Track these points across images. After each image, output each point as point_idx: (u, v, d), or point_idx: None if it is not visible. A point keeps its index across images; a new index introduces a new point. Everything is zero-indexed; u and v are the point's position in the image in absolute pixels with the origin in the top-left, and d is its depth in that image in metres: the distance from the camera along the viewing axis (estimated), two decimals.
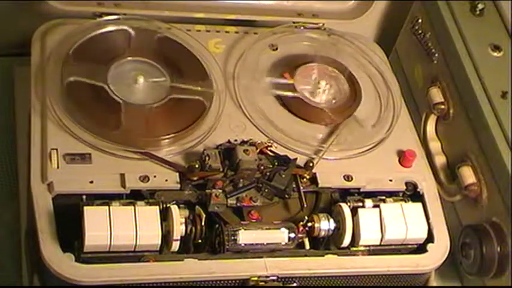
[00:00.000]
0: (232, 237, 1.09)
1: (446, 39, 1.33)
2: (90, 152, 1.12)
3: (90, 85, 1.16)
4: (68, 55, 1.18)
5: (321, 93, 1.26)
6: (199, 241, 1.10)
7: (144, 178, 1.11)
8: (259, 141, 1.17)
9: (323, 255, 1.13)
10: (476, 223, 1.22)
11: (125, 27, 1.24)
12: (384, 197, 1.17)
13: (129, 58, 1.21)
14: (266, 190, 1.14)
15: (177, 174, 1.12)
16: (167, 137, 1.15)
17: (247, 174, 1.13)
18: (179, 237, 1.07)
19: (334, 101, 1.26)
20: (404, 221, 1.15)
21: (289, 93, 1.25)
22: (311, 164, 1.16)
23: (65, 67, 1.17)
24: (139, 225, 1.05)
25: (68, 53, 1.19)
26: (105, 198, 1.08)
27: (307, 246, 1.15)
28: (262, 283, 1.09)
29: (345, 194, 1.18)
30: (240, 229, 1.10)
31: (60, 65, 1.18)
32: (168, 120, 1.16)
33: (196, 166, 1.11)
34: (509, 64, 1.28)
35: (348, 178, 1.18)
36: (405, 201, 1.18)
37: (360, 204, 1.15)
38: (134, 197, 1.10)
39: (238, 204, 1.13)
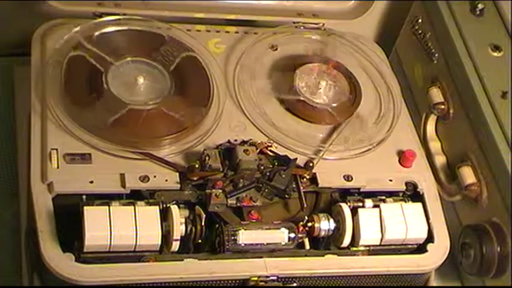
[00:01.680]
0: (232, 237, 1.09)
1: (446, 39, 1.33)
2: (90, 152, 1.12)
3: (91, 87, 1.16)
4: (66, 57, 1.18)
5: (321, 93, 1.26)
6: (199, 241, 1.10)
7: (144, 178, 1.11)
8: (259, 141, 1.17)
9: (323, 255, 1.13)
10: (476, 223, 1.22)
11: (122, 27, 1.24)
12: (383, 197, 1.17)
13: (129, 58, 1.21)
14: (266, 190, 1.14)
15: (177, 174, 1.12)
16: (167, 137, 1.15)
17: (247, 174, 1.13)
18: (179, 237, 1.07)
19: (334, 101, 1.26)
20: (404, 221, 1.15)
21: (289, 93, 1.25)
22: (311, 164, 1.16)
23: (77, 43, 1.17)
24: (139, 225, 1.05)
25: (66, 54, 1.18)
26: (105, 198, 1.08)
27: (307, 246, 1.15)
28: (262, 283, 1.09)
29: (345, 194, 1.18)
30: (240, 229, 1.10)
31: (61, 65, 1.18)
32: (168, 120, 1.16)
33: (196, 166, 1.11)
34: (509, 64, 1.28)
35: (348, 178, 1.18)
36: (405, 201, 1.18)
37: (360, 204, 1.15)
38: (134, 197, 1.10)
39: (238, 204, 1.13)
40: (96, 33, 1.22)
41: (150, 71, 1.20)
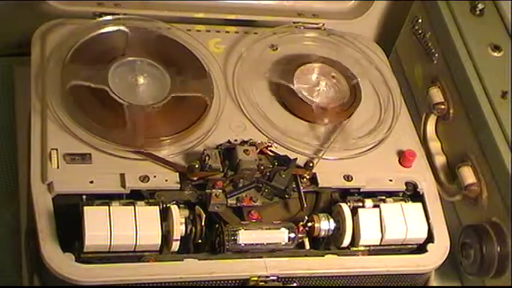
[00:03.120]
0: (232, 237, 1.09)
1: (446, 39, 1.33)
2: (90, 152, 1.12)
3: (91, 88, 1.16)
4: (66, 58, 1.18)
5: (321, 93, 1.26)
6: (199, 241, 1.10)
7: (144, 178, 1.11)
8: (259, 141, 1.17)
9: (323, 255, 1.13)
10: (476, 223, 1.22)
11: (122, 28, 1.24)
12: (383, 197, 1.17)
13: (129, 58, 1.21)
14: (266, 190, 1.14)
15: (177, 174, 1.12)
16: (167, 137, 1.15)
17: (247, 174, 1.13)
18: (179, 237, 1.07)
19: (334, 101, 1.26)
20: (404, 221, 1.15)
21: (289, 93, 1.25)
22: (311, 164, 1.16)
23: (65, 71, 1.17)
24: (139, 225, 1.05)
25: (66, 55, 1.18)
26: (105, 198, 1.08)
27: (307, 246, 1.14)
28: (262, 283, 1.09)
29: (345, 194, 1.18)
30: (240, 229, 1.10)
31: (61, 65, 1.18)
32: (168, 120, 1.16)
33: (196, 166, 1.11)
34: (509, 64, 1.28)
35: (348, 178, 1.18)
36: (405, 201, 1.18)
37: (360, 204, 1.15)
38: (134, 197, 1.10)
39: (238, 204, 1.13)
40: (94, 34, 1.22)
41: (147, 69, 1.20)
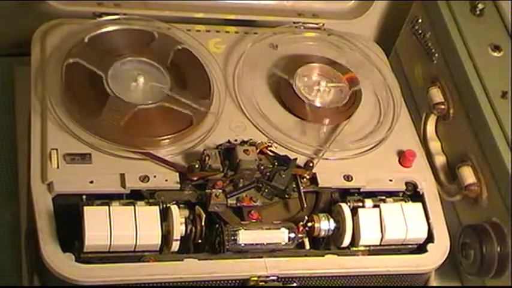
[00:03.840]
0: (232, 237, 1.09)
1: (446, 39, 1.33)
2: (90, 152, 1.12)
3: (88, 72, 1.16)
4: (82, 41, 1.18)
5: (321, 93, 1.26)
6: (199, 241, 1.10)
7: (144, 178, 1.11)
8: (259, 141, 1.17)
9: (323, 255, 1.13)
10: (476, 223, 1.22)
11: (122, 27, 1.24)
12: (383, 197, 1.17)
13: (129, 58, 1.21)
14: (266, 190, 1.14)
15: (177, 174, 1.12)
16: (167, 137, 1.15)
17: (247, 174, 1.13)
18: (179, 237, 1.07)
19: (334, 101, 1.26)
20: (404, 221, 1.15)
21: (289, 94, 1.25)
22: (311, 164, 1.16)
23: (72, 50, 1.17)
24: (139, 225, 1.05)
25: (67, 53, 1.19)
26: (105, 198, 1.08)
27: (307, 246, 1.14)
28: (262, 283, 1.09)
29: (345, 194, 1.18)
30: (240, 229, 1.10)
31: (61, 65, 1.18)
32: (168, 119, 1.16)
33: (196, 166, 1.11)
34: (509, 64, 1.28)
35: (348, 178, 1.18)
36: (405, 201, 1.18)
37: (360, 204, 1.15)
38: (134, 197, 1.10)
39: (238, 204, 1.13)
40: (91, 35, 1.22)
41: (147, 69, 1.20)
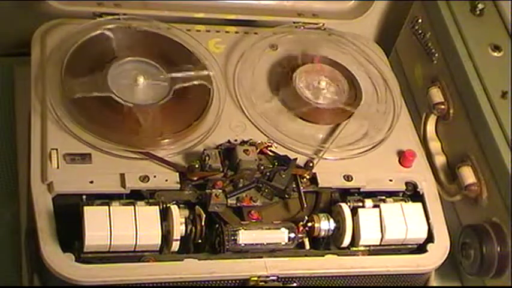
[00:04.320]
0: (232, 237, 1.09)
1: (446, 39, 1.33)
2: (90, 152, 1.12)
3: (96, 97, 1.16)
4: (64, 63, 1.18)
5: (321, 93, 1.26)
6: (199, 241, 1.10)
7: (144, 178, 1.11)
8: (259, 141, 1.17)
9: (323, 255, 1.13)
10: (476, 223, 1.22)
11: (121, 28, 1.24)
12: (383, 197, 1.17)
13: (128, 58, 1.21)
14: (266, 190, 1.14)
15: (177, 174, 1.12)
16: (167, 137, 1.15)
17: (247, 174, 1.13)
18: (179, 237, 1.07)
19: (334, 101, 1.26)
20: (404, 221, 1.15)
21: (289, 94, 1.25)
22: (311, 164, 1.16)
23: (66, 82, 1.16)
24: (139, 225, 1.05)
25: (64, 59, 1.18)
26: (105, 198, 1.08)
27: (307, 246, 1.14)
28: (262, 283, 1.09)
29: (345, 194, 1.18)
30: (240, 229, 1.10)
31: (60, 65, 1.18)
32: (168, 119, 1.16)
33: (196, 166, 1.11)
34: (509, 64, 1.28)
35: (348, 178, 1.18)
36: (405, 201, 1.18)
37: (360, 204, 1.15)
38: (134, 197, 1.10)
39: (238, 204, 1.13)
40: (91, 35, 1.22)
41: (147, 69, 1.20)
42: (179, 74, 1.20)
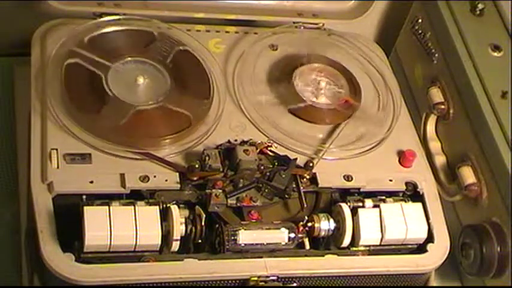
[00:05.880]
0: (232, 237, 1.09)
1: (446, 39, 1.33)
2: (90, 152, 1.12)
3: (88, 72, 1.15)
4: (63, 66, 1.18)
5: (321, 93, 1.26)
6: (199, 241, 1.10)
7: (144, 178, 1.11)
8: (259, 141, 1.17)
9: (323, 255, 1.13)
10: (476, 223, 1.22)
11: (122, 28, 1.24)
12: (383, 197, 1.17)
13: (129, 58, 1.21)
14: (266, 190, 1.14)
15: (177, 174, 1.12)
16: (167, 137, 1.15)
17: (247, 174, 1.13)
18: (179, 237, 1.07)
19: (334, 101, 1.26)
20: (404, 221, 1.15)
21: (289, 94, 1.25)
22: (311, 164, 1.16)
23: (72, 50, 1.17)
24: (139, 225, 1.05)
25: (63, 63, 1.18)
26: (105, 198, 1.08)
27: (307, 246, 1.14)
28: (262, 283, 1.09)
29: (345, 194, 1.18)
30: (240, 229, 1.10)
31: (60, 65, 1.18)
32: (168, 119, 1.16)
33: (196, 166, 1.11)
34: (509, 64, 1.28)
35: (348, 178, 1.18)
36: (405, 201, 1.18)
37: (360, 204, 1.15)
38: (134, 197, 1.10)
39: (238, 204, 1.13)
40: (90, 36, 1.22)
41: (147, 69, 1.20)
42: (178, 97, 1.19)
